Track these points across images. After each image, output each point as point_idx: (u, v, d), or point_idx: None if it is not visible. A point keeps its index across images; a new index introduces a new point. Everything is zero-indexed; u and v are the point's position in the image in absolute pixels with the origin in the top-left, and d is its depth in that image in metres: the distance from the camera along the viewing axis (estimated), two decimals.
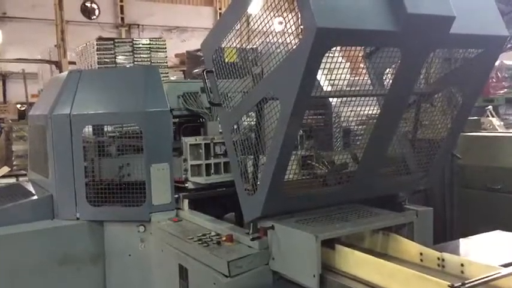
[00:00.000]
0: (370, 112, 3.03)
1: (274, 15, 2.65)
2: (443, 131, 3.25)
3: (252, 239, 3.03)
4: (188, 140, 3.96)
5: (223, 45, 3.17)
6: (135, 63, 7.45)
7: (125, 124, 4.29)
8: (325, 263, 2.76)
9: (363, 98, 2.96)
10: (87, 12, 18.30)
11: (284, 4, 2.58)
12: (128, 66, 7.28)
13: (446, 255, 2.67)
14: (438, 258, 2.68)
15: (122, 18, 19.28)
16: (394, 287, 2.45)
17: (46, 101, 4.39)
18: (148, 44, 7.66)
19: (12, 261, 3.77)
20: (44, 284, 3.87)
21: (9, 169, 10.75)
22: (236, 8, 2.99)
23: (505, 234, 3.42)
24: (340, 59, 2.64)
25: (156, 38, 7.88)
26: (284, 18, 2.57)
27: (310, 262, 2.68)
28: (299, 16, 2.42)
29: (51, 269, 3.87)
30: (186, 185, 3.97)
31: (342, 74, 2.66)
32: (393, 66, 2.92)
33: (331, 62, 2.56)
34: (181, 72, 12.04)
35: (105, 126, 4.25)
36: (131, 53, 7.52)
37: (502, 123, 6.50)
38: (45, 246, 3.87)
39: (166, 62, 7.93)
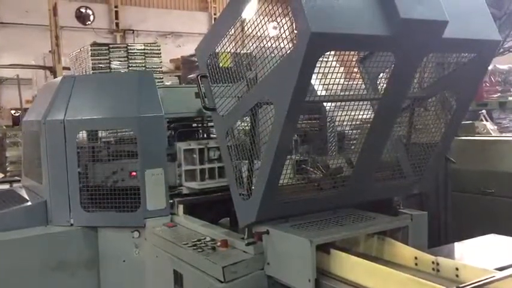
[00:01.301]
0: (364, 116, 3.04)
1: (268, 20, 2.65)
2: (437, 135, 3.25)
3: (247, 244, 3.02)
4: (182, 145, 3.95)
5: (217, 50, 3.17)
6: (130, 68, 7.42)
7: (119, 129, 4.27)
8: (320, 268, 2.75)
9: (357, 103, 2.97)
10: (81, 17, 18.28)
11: (278, 9, 2.58)
12: (122, 71, 7.25)
13: (441, 259, 2.67)
14: (433, 262, 2.68)
15: (117, 24, 19.26)
16: None
17: (40, 106, 4.37)
18: (143, 49, 7.62)
19: (6, 268, 3.74)
20: None
21: (3, 175, 10.69)
22: (230, 13, 3.00)
23: (499, 238, 3.43)
24: (334, 63, 2.65)
25: (150, 43, 7.86)
26: (278, 23, 2.58)
27: (305, 267, 2.67)
28: (293, 21, 2.43)
29: (45, 275, 3.85)
30: (180, 189, 3.96)
31: (336, 78, 2.66)
32: (387, 70, 2.93)
33: (325, 67, 2.57)
34: (177, 77, 12.04)
35: (100, 132, 4.24)
36: (126, 59, 7.48)
37: (495, 127, 6.53)
38: (39, 252, 3.85)
39: (161, 67, 7.89)
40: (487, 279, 2.25)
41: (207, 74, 3.21)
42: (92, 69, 6.99)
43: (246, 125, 3.19)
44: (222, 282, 2.86)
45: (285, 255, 2.85)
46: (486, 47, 2.90)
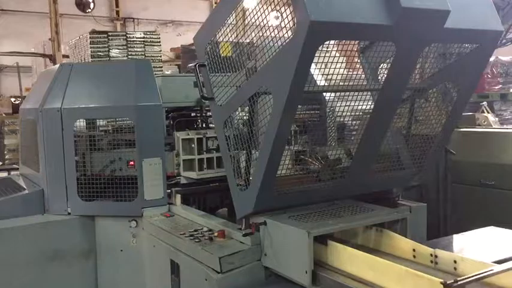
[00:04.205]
0: (364, 107, 3.01)
1: (267, 8, 2.61)
2: (438, 127, 3.22)
3: (244, 235, 3.00)
4: (180, 135, 3.93)
5: (216, 39, 3.13)
6: (130, 56, 7.37)
7: (117, 118, 4.24)
8: (318, 259, 2.74)
9: (356, 93, 2.93)
10: (82, 5, 18.12)
11: None
12: (121, 59, 7.20)
13: (439, 252, 2.65)
14: (431, 255, 2.67)
15: (117, 12, 19.14)
16: (387, 283, 2.43)
17: (37, 94, 4.34)
18: (143, 38, 7.57)
19: (2, 257, 3.73)
20: (34, 280, 3.83)
21: (1, 163, 10.69)
22: (228, 1, 2.95)
23: (498, 230, 3.41)
24: (334, 53, 2.61)
25: (150, 32, 7.80)
26: (277, 11, 2.54)
27: (302, 258, 2.66)
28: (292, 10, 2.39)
29: (42, 264, 3.84)
30: (178, 178, 3.94)
31: (335, 68, 2.63)
32: (388, 60, 2.89)
33: (324, 56, 2.53)
34: (177, 66, 11.98)
35: (98, 120, 4.21)
36: (125, 47, 7.44)
37: (496, 119, 6.50)
38: (35, 241, 3.83)
39: (160, 56, 7.85)
40: (485, 272, 2.23)
41: (206, 63, 3.17)
42: (91, 57, 6.95)
43: (244, 114, 3.16)
44: (218, 272, 2.85)
45: (282, 246, 2.83)
46: (488, 38, 2.86)
